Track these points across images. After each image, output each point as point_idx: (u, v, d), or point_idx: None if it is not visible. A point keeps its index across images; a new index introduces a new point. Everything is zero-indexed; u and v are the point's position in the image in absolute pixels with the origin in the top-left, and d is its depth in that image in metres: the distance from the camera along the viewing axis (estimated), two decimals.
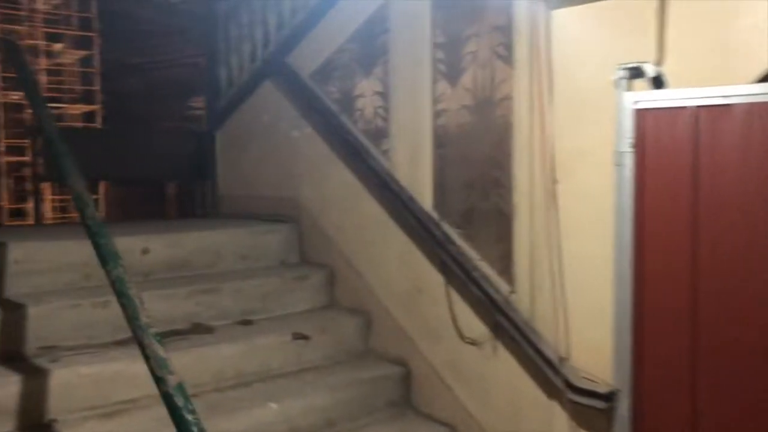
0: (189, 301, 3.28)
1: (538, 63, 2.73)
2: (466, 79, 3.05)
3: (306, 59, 3.85)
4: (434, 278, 3.19)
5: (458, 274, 3.02)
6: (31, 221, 12.12)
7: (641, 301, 2.43)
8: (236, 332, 3.27)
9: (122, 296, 2.20)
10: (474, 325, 3.05)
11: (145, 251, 3.42)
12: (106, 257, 2.32)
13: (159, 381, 1.95)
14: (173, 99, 9.85)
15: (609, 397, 2.51)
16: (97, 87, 13.17)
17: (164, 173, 5.43)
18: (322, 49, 3.75)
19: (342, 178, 3.65)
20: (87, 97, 13.26)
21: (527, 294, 2.84)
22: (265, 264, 3.78)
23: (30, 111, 12.26)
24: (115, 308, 3.03)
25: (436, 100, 3.19)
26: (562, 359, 2.68)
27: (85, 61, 13.23)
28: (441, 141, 3.17)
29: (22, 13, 12.65)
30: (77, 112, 13.09)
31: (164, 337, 3.16)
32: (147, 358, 2.04)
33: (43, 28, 12.58)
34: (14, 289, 3.06)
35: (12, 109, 13.04)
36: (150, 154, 5.23)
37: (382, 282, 3.47)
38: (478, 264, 2.99)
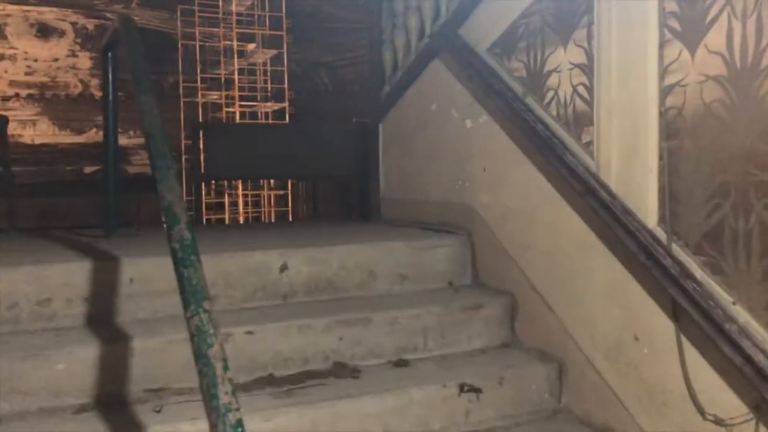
0: (330, 334, 2.54)
1: None
2: (714, 39, 2.02)
3: (483, 29, 2.97)
4: (660, 324, 2.19)
5: (699, 323, 2.00)
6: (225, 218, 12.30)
7: None
8: (387, 377, 2.48)
9: (200, 358, 1.48)
10: (722, 397, 2.02)
11: (283, 268, 2.73)
12: (187, 296, 1.61)
13: None
14: (362, 95, 9.39)
15: None
16: (285, 85, 13.12)
17: (324, 171, 4.82)
18: (503, 14, 2.85)
19: (528, 180, 2.74)
20: (278, 96, 13.27)
21: None
22: (428, 287, 2.95)
23: (228, 109, 12.42)
24: (241, 343, 2.42)
25: (664, 71, 2.18)
26: None
27: (276, 60, 13.22)
28: (672, 129, 2.16)
29: (219, 15, 12.84)
30: (268, 110, 13.13)
31: (295, 382, 2.44)
32: None
33: (237, 29, 12.69)
34: (126, 315, 2.49)
35: (212, 109, 13.32)
36: (314, 150, 4.65)
37: (582, 321, 2.52)
38: (733, 310, 1.96)
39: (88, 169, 14.51)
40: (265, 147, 4.53)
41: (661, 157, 2.19)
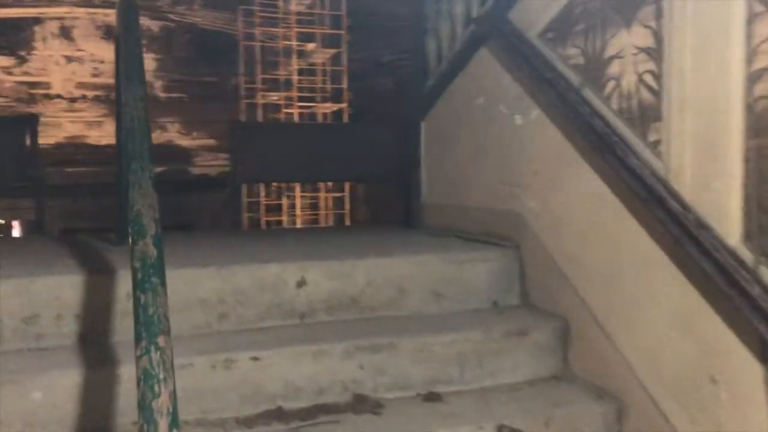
0: (350, 361, 2.20)
1: None
2: None
3: (534, 12, 2.58)
4: (743, 365, 1.77)
5: None
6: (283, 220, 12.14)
7: None
8: (413, 414, 2.12)
9: (142, 409, 1.17)
10: None
11: (300, 283, 2.41)
12: (140, 328, 1.30)
13: None
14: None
15: None
16: (344, 85, 12.87)
17: (368, 173, 4.48)
18: None
19: (584, 185, 2.34)
20: (336, 96, 13.03)
21: None
22: (468, 307, 2.57)
23: (287, 111, 12.27)
24: (246, 370, 2.11)
25: (753, 54, 1.76)
26: None
27: (335, 60, 12.99)
28: (761, 125, 1.74)
29: (279, 15, 12.70)
30: (327, 110, 12.91)
31: (306, 417, 2.07)
32: None
33: (296, 29, 12.51)
34: (122, 334, 2.20)
35: (270, 110, 13.22)
36: (357, 151, 4.33)
37: (646, 354, 2.10)
38: None
39: (156, 170, 14.66)
40: (302, 147, 4.23)
41: (746, 160, 1.76)
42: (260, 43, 12.41)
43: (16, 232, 10.97)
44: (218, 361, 2.07)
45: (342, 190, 12.00)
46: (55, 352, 2.11)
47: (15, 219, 17.96)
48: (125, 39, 2.02)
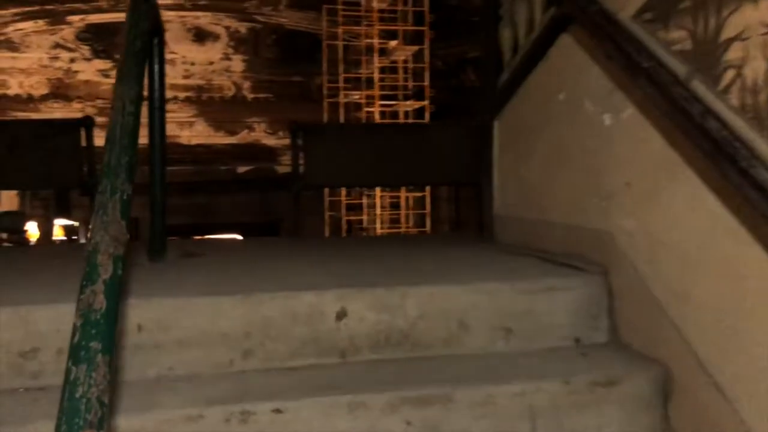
0: (394, 416, 1.77)
1: None
2: None
3: None
4: None
5: None
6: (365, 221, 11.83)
7: None
8: None
9: None
10: None
11: (341, 315, 2.01)
12: (60, 416, 0.94)
13: None
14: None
15: None
16: (426, 82, 12.42)
17: (441, 177, 4.06)
18: None
19: (693, 202, 1.83)
20: (419, 94, 12.61)
21: None
22: (544, 345, 2.09)
23: (368, 109, 11.96)
24: (264, 424, 1.73)
25: None
26: None
27: (418, 57, 12.55)
28: None
29: (362, 13, 12.39)
30: (408, 108, 12.52)
31: None
32: None
33: (378, 26, 12.14)
34: (131, 372, 1.86)
35: (352, 108, 12.96)
36: (429, 153, 3.92)
37: None
38: None
39: (241, 169, 14.70)
40: (368, 150, 3.86)
41: None
42: (343, 42, 12.13)
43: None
44: (233, 413, 1.69)
45: (423, 189, 11.56)
46: (55, 392, 1.80)
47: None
48: (127, 28, 1.68)
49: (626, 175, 2.10)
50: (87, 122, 3.62)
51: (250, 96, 15.22)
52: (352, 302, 2.00)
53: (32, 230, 13.72)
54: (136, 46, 1.61)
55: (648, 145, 1.98)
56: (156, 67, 2.44)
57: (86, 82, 14.19)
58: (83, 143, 3.63)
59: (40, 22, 12.72)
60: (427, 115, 12.21)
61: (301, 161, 3.92)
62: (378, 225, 11.65)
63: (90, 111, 14.43)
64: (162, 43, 2.43)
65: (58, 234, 11.17)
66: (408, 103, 12.25)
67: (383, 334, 2.02)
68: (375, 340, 2.01)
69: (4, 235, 3.33)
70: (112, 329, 1.03)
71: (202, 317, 1.93)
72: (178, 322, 1.91)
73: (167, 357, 1.90)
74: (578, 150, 2.35)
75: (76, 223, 10.65)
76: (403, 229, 11.67)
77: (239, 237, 13.75)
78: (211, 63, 14.74)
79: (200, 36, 14.41)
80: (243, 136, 15.59)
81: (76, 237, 11.35)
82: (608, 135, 2.18)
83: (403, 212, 12.19)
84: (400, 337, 2.03)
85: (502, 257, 2.57)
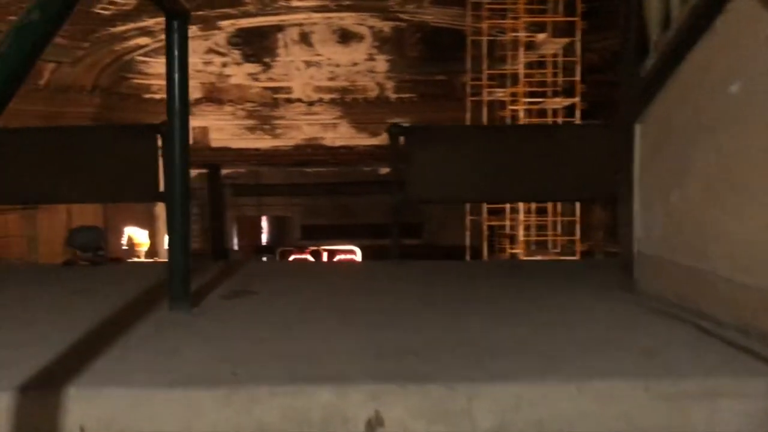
0: None
1: None
2: None
3: None
4: None
5: None
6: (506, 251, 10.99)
7: None
8: None
9: None
10: None
11: (373, 424, 1.32)
12: None
13: None
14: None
15: None
16: (577, 77, 11.33)
17: (579, 191, 3.23)
18: None
19: None
20: (569, 90, 11.54)
21: None
22: None
23: (513, 107, 11.07)
24: None
25: None
26: None
27: (568, 50, 11.47)
28: None
29: (507, 5, 11.54)
30: (557, 106, 11.49)
31: None
32: None
33: (525, 18, 11.21)
34: None
35: (496, 107, 12.16)
36: (562, 162, 3.13)
37: None
38: None
39: (383, 170, 14.32)
40: (483, 158, 3.13)
41: None
42: (487, 38, 11.32)
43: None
44: None
45: (573, 214, 10.53)
46: None
47: (264, 215, 18.73)
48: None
49: None
50: (162, 128, 3.17)
51: (393, 96, 14.81)
52: (390, 404, 1.31)
53: (141, 238, 13.23)
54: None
55: None
56: (176, 52, 1.89)
57: (237, 86, 14.44)
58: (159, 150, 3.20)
59: (194, 27, 13.02)
60: (577, 113, 11.14)
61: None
62: (521, 232, 10.74)
63: (240, 114, 14.70)
64: (184, 27, 1.89)
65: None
66: (556, 100, 11.21)
67: None
68: None
69: (82, 253, 3.01)
70: None
71: (167, 417, 1.31)
72: (129, 422, 1.31)
73: None
74: (763, 165, 1.49)
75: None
76: (550, 237, 10.69)
77: (355, 255, 13.14)
78: (355, 64, 14.48)
79: (345, 37, 14.18)
80: (385, 138, 15.23)
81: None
82: None
83: (550, 219, 11.20)
84: None
85: (640, 321, 1.75)
